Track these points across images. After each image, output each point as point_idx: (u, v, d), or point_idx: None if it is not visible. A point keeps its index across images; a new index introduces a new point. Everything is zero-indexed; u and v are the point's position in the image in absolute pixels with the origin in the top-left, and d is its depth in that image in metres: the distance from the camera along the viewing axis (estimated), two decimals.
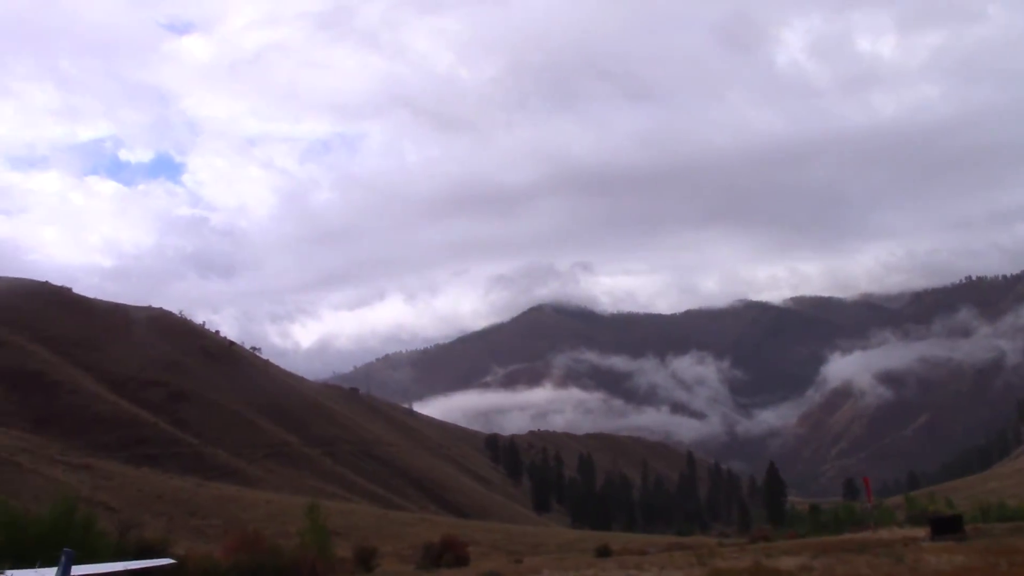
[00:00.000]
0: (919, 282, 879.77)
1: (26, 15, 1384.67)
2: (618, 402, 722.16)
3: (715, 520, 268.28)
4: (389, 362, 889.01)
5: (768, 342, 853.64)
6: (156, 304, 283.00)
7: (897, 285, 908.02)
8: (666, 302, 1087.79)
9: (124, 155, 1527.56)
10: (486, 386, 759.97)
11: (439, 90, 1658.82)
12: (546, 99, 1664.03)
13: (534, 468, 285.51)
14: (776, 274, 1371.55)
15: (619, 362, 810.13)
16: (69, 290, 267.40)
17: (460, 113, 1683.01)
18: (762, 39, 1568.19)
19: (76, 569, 36.24)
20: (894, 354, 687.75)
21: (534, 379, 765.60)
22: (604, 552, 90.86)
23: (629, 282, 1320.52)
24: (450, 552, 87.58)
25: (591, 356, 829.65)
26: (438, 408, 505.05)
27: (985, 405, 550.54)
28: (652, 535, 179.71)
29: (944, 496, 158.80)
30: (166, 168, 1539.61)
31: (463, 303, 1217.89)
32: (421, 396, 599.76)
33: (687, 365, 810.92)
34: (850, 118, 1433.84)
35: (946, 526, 54.36)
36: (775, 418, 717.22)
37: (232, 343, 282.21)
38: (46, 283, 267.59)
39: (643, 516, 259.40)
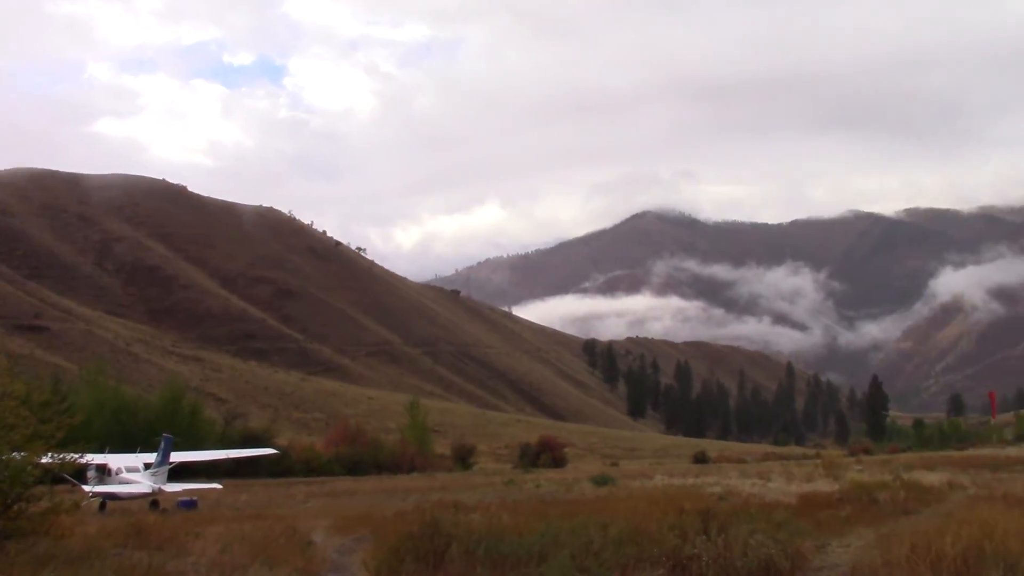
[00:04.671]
0: None
1: None
2: (718, 311, 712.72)
3: (810, 431, 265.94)
4: (488, 266, 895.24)
5: (877, 254, 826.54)
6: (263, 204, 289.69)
7: (1020, 198, 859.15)
8: (772, 212, 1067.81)
9: (227, 58, 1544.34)
10: (584, 292, 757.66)
11: None
12: (656, 0, 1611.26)
13: (631, 374, 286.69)
14: (889, 184, 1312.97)
15: (720, 271, 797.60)
16: (185, 188, 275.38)
17: (564, 15, 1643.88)
18: None
19: (177, 455, 36.58)
20: (1010, 269, 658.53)
21: (633, 286, 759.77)
22: (701, 458, 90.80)
23: (734, 191, 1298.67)
24: (547, 453, 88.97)
25: (692, 264, 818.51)
26: (536, 312, 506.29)
27: None
28: (747, 444, 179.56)
29: None
30: (268, 71, 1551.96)
31: (563, 209, 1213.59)
32: (519, 300, 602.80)
33: (790, 276, 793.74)
34: (976, 21, 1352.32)
35: None
36: (878, 331, 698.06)
37: (339, 243, 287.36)
38: (163, 181, 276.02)
39: (738, 425, 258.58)
